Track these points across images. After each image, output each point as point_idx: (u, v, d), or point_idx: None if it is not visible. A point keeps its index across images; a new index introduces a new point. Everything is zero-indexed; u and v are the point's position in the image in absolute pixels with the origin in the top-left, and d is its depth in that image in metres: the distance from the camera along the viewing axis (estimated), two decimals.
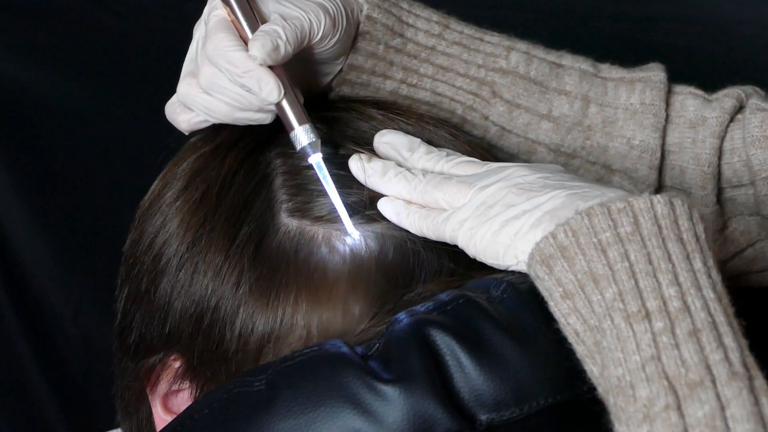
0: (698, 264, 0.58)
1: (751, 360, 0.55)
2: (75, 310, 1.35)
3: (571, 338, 0.60)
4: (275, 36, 0.69)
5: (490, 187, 0.67)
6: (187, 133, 0.75)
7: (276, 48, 0.69)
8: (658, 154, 0.79)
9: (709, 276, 0.58)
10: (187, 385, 0.70)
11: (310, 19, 0.71)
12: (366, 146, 0.73)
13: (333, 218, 0.69)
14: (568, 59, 0.80)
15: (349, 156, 0.72)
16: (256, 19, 0.71)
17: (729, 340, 0.55)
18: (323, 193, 0.70)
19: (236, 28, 0.71)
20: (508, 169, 0.68)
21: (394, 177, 0.70)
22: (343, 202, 0.69)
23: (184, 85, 0.73)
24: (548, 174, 0.67)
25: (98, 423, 1.29)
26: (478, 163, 0.71)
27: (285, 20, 0.70)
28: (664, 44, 1.28)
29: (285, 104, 0.70)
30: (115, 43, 1.34)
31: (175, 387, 0.71)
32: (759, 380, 0.54)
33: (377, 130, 0.74)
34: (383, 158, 0.73)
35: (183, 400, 0.71)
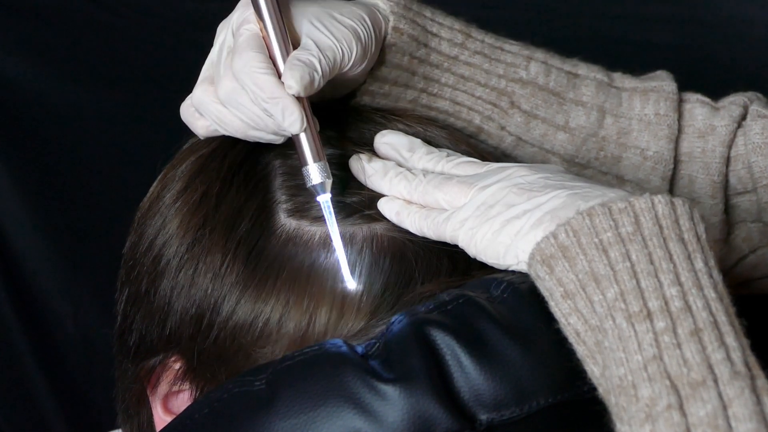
0: (699, 264, 0.58)
1: (752, 359, 0.55)
2: (75, 310, 1.35)
3: (572, 338, 0.60)
4: (312, 69, 0.68)
5: (491, 187, 0.67)
6: (201, 138, 0.74)
7: (311, 82, 0.68)
8: (671, 165, 0.79)
9: (710, 276, 0.58)
10: (187, 386, 0.70)
11: (342, 51, 0.70)
12: (366, 147, 0.73)
13: None
14: (583, 68, 0.80)
15: (349, 156, 0.72)
16: (288, 41, 0.70)
17: (730, 340, 0.55)
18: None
19: (266, 45, 0.70)
20: (509, 169, 0.68)
21: (395, 177, 0.70)
22: (344, 202, 0.69)
23: (200, 92, 0.72)
24: (549, 174, 0.67)
25: (98, 423, 1.29)
26: (479, 163, 0.71)
27: (320, 50, 0.69)
28: (664, 44, 1.28)
29: (303, 137, 0.69)
30: (115, 43, 1.34)
31: (175, 388, 0.71)
32: (761, 379, 0.54)
33: (377, 130, 0.74)
34: (383, 158, 0.73)
35: (183, 401, 0.71)
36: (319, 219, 0.69)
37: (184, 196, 0.72)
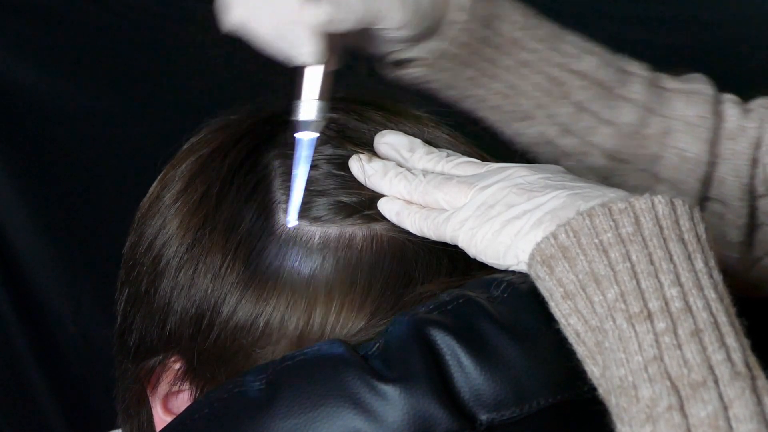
0: (700, 264, 0.58)
1: (753, 360, 0.55)
2: (75, 310, 1.35)
3: (572, 339, 0.60)
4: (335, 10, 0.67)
5: (491, 187, 0.67)
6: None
7: (331, 21, 0.68)
8: (708, 168, 0.79)
9: (711, 276, 0.58)
10: (187, 386, 0.70)
11: (380, 13, 0.69)
12: (366, 147, 0.73)
13: (331, 219, 0.69)
14: (634, 66, 0.79)
15: (349, 156, 0.72)
16: None
17: (731, 340, 0.55)
18: (322, 194, 0.70)
19: None
20: (509, 169, 0.68)
21: (395, 177, 0.70)
22: (344, 202, 0.69)
23: None
24: (549, 174, 0.67)
25: (98, 423, 1.29)
26: (479, 163, 0.71)
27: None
28: (664, 44, 1.28)
29: (312, 70, 0.68)
30: (115, 43, 1.34)
31: (175, 388, 0.71)
32: (761, 380, 0.54)
33: (377, 130, 0.74)
34: (383, 159, 0.73)
35: (183, 401, 0.71)
36: (319, 219, 0.69)
37: (184, 197, 0.72)
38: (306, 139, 0.68)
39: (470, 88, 0.76)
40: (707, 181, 0.80)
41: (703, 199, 0.80)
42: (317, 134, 0.69)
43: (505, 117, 0.77)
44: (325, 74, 0.69)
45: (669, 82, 0.80)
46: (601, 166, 0.80)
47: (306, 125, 0.68)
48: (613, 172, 0.81)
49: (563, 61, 0.77)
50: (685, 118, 0.79)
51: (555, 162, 0.78)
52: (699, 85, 0.80)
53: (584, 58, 0.77)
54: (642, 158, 0.79)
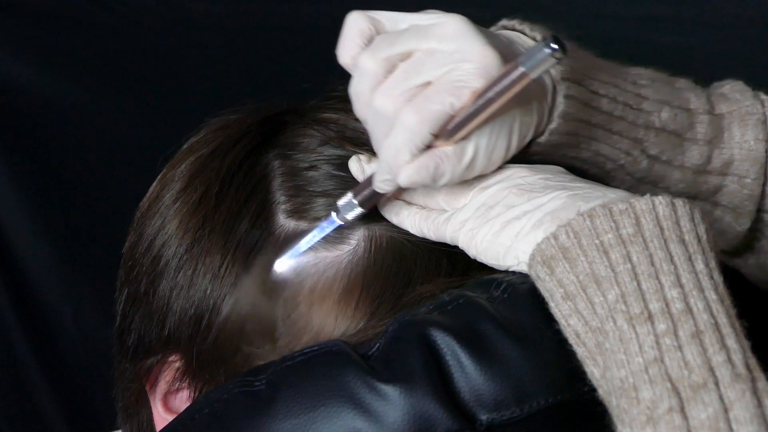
0: (700, 265, 0.58)
1: (753, 362, 0.55)
2: (75, 310, 1.35)
3: (572, 340, 0.60)
4: (428, 177, 0.64)
5: (491, 188, 0.67)
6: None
7: (414, 183, 0.65)
8: (763, 188, 0.79)
9: (711, 277, 0.58)
10: (186, 385, 0.70)
11: (488, 165, 0.67)
12: (365, 147, 0.73)
13: None
14: (693, 102, 0.77)
15: (348, 157, 0.72)
16: (471, 128, 0.64)
17: (732, 342, 0.55)
18: (322, 194, 0.70)
19: (453, 114, 0.64)
20: (509, 170, 0.68)
21: None
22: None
23: (368, 63, 0.65)
24: (549, 175, 0.67)
25: (98, 423, 1.29)
26: None
27: (471, 160, 0.65)
28: (664, 44, 1.28)
29: (375, 189, 0.67)
30: (115, 43, 1.34)
31: (174, 387, 0.71)
32: (762, 382, 0.54)
33: None
34: None
35: (182, 400, 0.71)
36: (318, 219, 0.69)
37: (183, 197, 0.72)
38: (333, 223, 0.68)
39: (561, 159, 0.74)
40: (760, 198, 0.80)
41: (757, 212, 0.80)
42: (341, 223, 0.68)
43: (585, 176, 0.76)
44: (379, 198, 0.68)
45: (723, 105, 0.79)
46: None
47: (340, 217, 0.68)
48: None
49: (644, 122, 0.75)
50: (742, 144, 0.78)
51: None
52: (749, 103, 0.79)
53: (661, 113, 0.75)
54: (705, 193, 0.78)
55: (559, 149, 0.72)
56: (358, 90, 0.66)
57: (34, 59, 1.32)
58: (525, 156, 0.71)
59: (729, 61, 1.27)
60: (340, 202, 0.68)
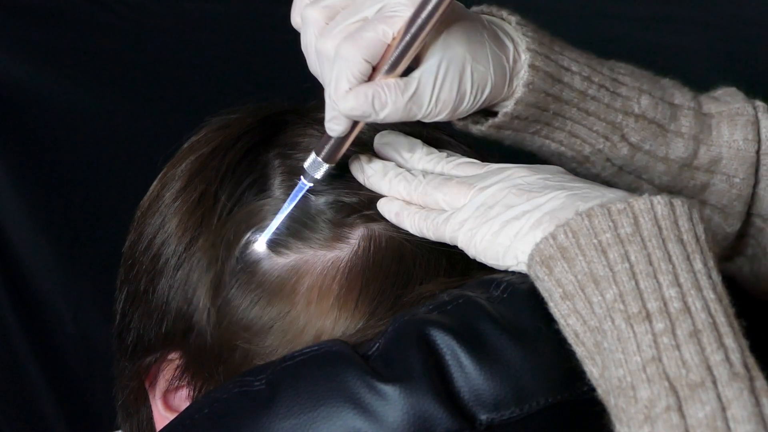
0: (698, 265, 0.58)
1: (751, 361, 0.55)
2: (75, 310, 1.35)
3: (571, 339, 0.60)
4: (370, 109, 0.65)
5: (491, 188, 0.67)
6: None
7: (363, 116, 0.66)
8: (753, 189, 0.79)
9: (710, 277, 0.58)
10: (186, 383, 0.70)
11: (443, 106, 0.67)
12: (365, 147, 0.73)
13: (331, 218, 0.69)
14: (678, 97, 0.78)
15: (348, 157, 0.72)
16: (408, 58, 0.66)
17: (730, 341, 0.55)
18: (321, 194, 0.70)
19: (388, 45, 0.65)
20: (509, 170, 0.68)
21: (394, 178, 0.70)
22: (343, 201, 0.69)
23: (313, 14, 0.67)
24: (548, 175, 0.67)
25: (98, 423, 1.29)
26: (478, 164, 0.71)
27: (414, 94, 0.66)
28: (665, 44, 1.28)
29: (334, 137, 0.68)
30: (115, 43, 1.34)
31: (174, 385, 0.71)
32: (760, 381, 0.54)
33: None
34: (383, 159, 0.73)
35: (182, 398, 0.71)
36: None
37: (183, 195, 0.72)
38: (303, 185, 0.69)
39: (534, 138, 0.75)
40: (750, 199, 0.80)
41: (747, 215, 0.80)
42: (311, 184, 0.69)
43: (564, 160, 0.76)
44: (345, 144, 0.69)
45: (711, 105, 0.79)
46: None
47: (309, 177, 0.69)
48: None
49: (622, 106, 0.76)
50: (731, 143, 0.78)
51: None
52: (738, 105, 0.79)
53: (640, 99, 0.76)
54: (692, 189, 0.79)
55: (530, 125, 0.73)
56: (305, 42, 0.67)
57: (34, 59, 1.32)
58: (498, 133, 0.73)
59: (728, 62, 1.27)
60: (306, 164, 0.69)
